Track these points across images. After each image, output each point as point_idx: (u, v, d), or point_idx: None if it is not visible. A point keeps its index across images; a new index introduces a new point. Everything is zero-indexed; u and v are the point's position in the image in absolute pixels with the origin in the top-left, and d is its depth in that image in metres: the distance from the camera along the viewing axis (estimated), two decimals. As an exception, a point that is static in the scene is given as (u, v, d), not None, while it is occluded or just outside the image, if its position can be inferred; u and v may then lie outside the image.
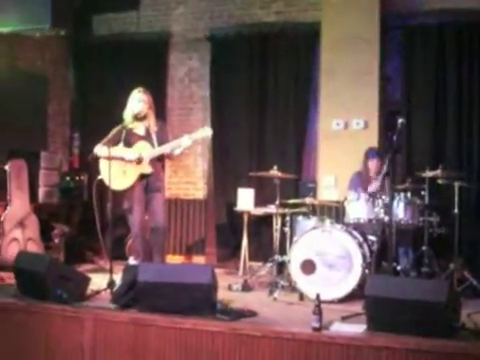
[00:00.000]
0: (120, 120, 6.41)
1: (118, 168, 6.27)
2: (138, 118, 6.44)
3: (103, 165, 6.35)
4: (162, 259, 6.45)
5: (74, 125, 9.80)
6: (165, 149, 6.41)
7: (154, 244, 6.46)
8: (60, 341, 5.18)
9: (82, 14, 9.10)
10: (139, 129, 6.50)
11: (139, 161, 6.33)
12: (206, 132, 6.47)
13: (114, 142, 6.25)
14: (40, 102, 9.17)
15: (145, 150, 6.36)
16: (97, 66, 9.64)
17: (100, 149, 6.30)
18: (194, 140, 6.44)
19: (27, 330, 5.30)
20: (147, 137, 6.46)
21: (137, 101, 6.45)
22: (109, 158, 6.07)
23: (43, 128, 9.26)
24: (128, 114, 6.41)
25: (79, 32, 9.19)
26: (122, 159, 6.29)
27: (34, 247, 7.66)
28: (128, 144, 6.39)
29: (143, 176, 6.39)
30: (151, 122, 6.51)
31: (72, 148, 9.64)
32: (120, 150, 6.32)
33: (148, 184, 6.42)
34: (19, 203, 7.76)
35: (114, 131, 6.23)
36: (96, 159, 6.41)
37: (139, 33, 9.41)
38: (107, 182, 6.17)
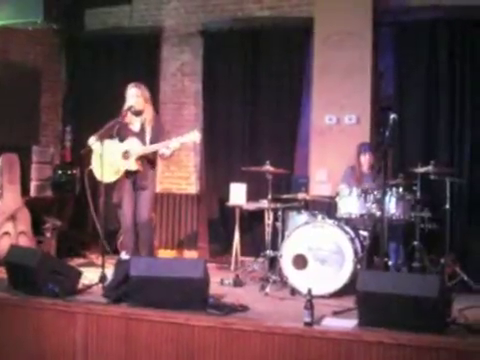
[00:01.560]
0: (113, 113, 6.42)
1: (106, 161, 6.27)
2: (134, 113, 6.45)
3: (95, 157, 6.37)
4: (148, 255, 6.46)
5: (66, 119, 9.77)
6: (152, 149, 6.41)
7: (140, 240, 6.49)
8: (52, 335, 5.19)
9: (74, 8, 9.01)
10: (134, 125, 6.51)
11: (126, 157, 6.36)
12: (195, 137, 6.36)
13: (108, 136, 6.27)
14: (32, 95, 9.14)
15: (134, 147, 6.37)
16: (89, 60, 9.62)
17: (93, 141, 6.32)
18: (182, 143, 6.41)
19: (19, 324, 5.31)
20: (140, 134, 6.46)
21: (131, 96, 6.46)
22: (100, 153, 6.10)
23: (35, 121, 9.23)
24: (126, 109, 6.41)
25: (71, 26, 9.10)
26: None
27: (26, 241, 7.65)
28: (121, 139, 6.41)
29: (129, 173, 6.41)
30: (148, 116, 6.52)
31: (64, 141, 9.60)
32: (111, 145, 6.32)
33: (135, 182, 6.44)
34: (11, 197, 7.74)
35: (109, 124, 6.24)
36: (89, 152, 6.42)
37: (131, 27, 9.40)
38: (96, 174, 6.22)
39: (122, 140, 6.42)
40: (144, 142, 6.43)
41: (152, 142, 6.43)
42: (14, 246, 6.52)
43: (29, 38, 8.87)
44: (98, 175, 6.28)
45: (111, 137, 6.33)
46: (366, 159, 7.13)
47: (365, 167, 7.15)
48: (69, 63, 9.79)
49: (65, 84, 9.83)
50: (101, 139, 6.13)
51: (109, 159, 6.29)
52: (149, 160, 6.53)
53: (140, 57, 9.25)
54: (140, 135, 6.45)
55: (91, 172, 6.38)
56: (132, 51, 9.30)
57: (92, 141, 6.34)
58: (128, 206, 6.47)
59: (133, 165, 6.37)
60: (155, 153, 6.52)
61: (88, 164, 6.53)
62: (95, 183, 6.51)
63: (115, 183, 6.51)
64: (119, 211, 6.58)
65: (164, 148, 6.36)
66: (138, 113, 6.50)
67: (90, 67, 9.58)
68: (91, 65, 9.59)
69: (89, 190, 6.26)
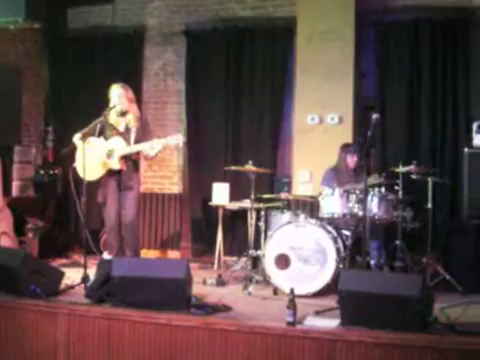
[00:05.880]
0: (96, 113, 6.40)
1: (90, 160, 6.24)
2: (119, 113, 6.44)
3: (79, 155, 6.35)
4: (133, 255, 6.46)
5: (48, 118, 9.72)
6: (136, 149, 6.41)
7: (125, 240, 6.49)
8: (34, 336, 5.16)
9: (57, 7, 9.00)
10: (120, 125, 6.51)
11: (109, 156, 6.35)
12: (178, 139, 6.34)
13: (91, 134, 6.28)
14: (13, 95, 9.06)
15: (118, 146, 6.36)
16: (72, 59, 9.54)
17: (77, 140, 6.30)
18: (164, 145, 6.38)
19: (0, 325, 5.27)
20: (125, 133, 6.46)
21: (115, 96, 6.46)
22: (83, 151, 6.10)
23: (17, 121, 9.17)
24: (109, 109, 6.39)
25: (53, 25, 9.07)
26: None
27: (8, 241, 7.57)
28: (106, 138, 6.42)
29: (112, 171, 6.40)
30: (132, 117, 6.51)
31: (46, 141, 9.55)
32: (95, 143, 6.31)
33: (120, 182, 6.43)
34: (-8, 197, 7.69)
35: (94, 123, 6.23)
36: (72, 150, 6.40)
37: (114, 26, 9.35)
38: (80, 171, 6.19)
39: (107, 139, 6.42)
40: (129, 142, 6.43)
41: (137, 142, 6.44)
42: (-4, 246, 6.49)
43: (11, 37, 8.80)
44: (81, 173, 6.24)
45: (95, 135, 6.33)
46: (353, 160, 7.12)
47: (351, 167, 7.15)
48: (51, 62, 9.71)
49: (47, 83, 9.76)
50: (85, 137, 6.12)
51: (93, 157, 6.29)
52: (133, 160, 6.52)
53: (123, 56, 9.19)
54: (125, 135, 6.46)
55: (75, 170, 6.35)
56: (115, 50, 9.24)
57: (76, 139, 6.32)
58: (112, 205, 6.47)
59: (116, 164, 6.37)
60: (138, 153, 6.52)
61: (72, 163, 6.51)
62: (78, 182, 6.45)
63: (98, 182, 6.50)
64: (103, 210, 6.57)
65: (148, 149, 6.36)
66: (123, 114, 6.50)
67: (72, 66, 9.50)
68: (73, 64, 9.51)
69: (73, 188, 6.21)
